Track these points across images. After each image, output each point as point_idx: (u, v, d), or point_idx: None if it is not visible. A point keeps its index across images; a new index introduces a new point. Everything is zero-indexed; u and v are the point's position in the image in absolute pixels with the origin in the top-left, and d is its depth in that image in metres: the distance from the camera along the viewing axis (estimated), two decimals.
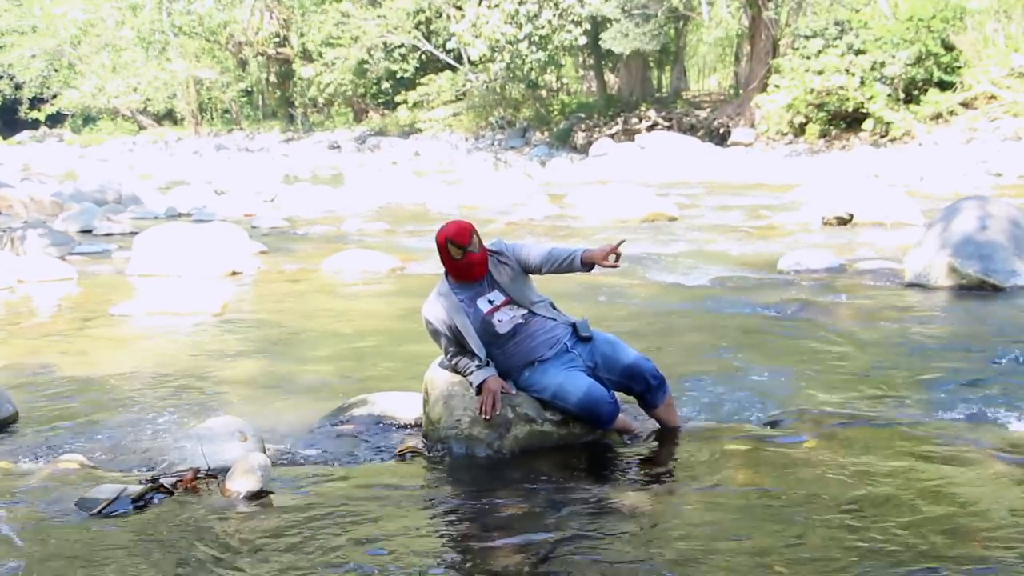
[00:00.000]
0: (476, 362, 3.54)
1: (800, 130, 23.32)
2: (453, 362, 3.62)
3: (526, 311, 3.58)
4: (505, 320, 3.53)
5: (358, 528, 2.79)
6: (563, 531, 2.73)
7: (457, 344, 3.58)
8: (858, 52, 21.97)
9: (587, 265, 3.45)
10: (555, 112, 31.51)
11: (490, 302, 3.55)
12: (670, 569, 2.46)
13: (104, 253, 10.01)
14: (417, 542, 2.70)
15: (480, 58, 28.27)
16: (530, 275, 3.66)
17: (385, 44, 32.65)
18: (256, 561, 2.55)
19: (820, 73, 21.88)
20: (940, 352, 5.07)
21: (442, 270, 3.67)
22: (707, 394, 4.31)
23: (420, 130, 33.31)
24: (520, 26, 26.66)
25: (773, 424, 3.80)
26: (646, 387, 3.57)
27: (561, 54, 29.53)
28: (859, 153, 21.14)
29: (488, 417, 3.45)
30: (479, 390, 3.51)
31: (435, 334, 3.63)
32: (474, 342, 3.51)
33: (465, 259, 3.49)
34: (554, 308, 3.70)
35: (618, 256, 3.41)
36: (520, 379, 3.59)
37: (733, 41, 31.07)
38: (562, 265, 3.51)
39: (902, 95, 21.84)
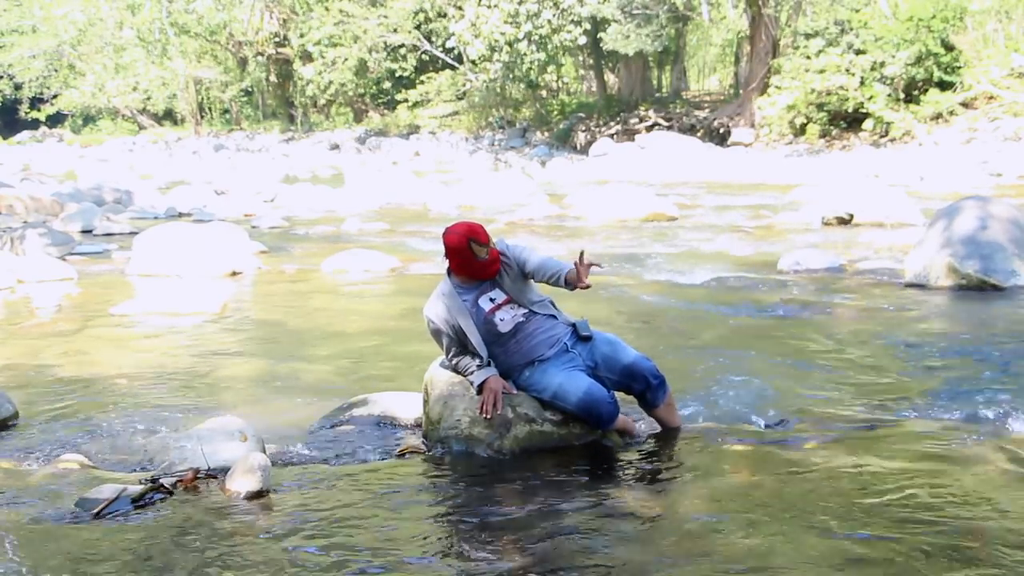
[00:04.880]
0: (477, 362, 3.54)
1: (800, 130, 23.33)
2: (454, 362, 3.62)
3: (526, 310, 3.58)
4: (507, 319, 3.54)
5: (358, 528, 2.79)
6: (563, 531, 2.73)
7: (459, 344, 3.57)
8: (858, 52, 21.98)
9: (569, 285, 3.46)
10: (555, 112, 31.52)
11: (491, 300, 3.55)
12: (670, 569, 2.46)
13: (104, 253, 10.01)
14: (417, 542, 2.70)
15: (479, 57, 28.27)
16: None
17: (385, 44, 32.66)
18: (256, 561, 2.55)
19: (821, 73, 21.89)
20: (940, 352, 5.07)
21: (443, 271, 3.65)
22: (707, 394, 4.31)
23: (419, 127, 33.33)
24: (519, 26, 26.66)
25: (773, 424, 3.80)
26: (646, 386, 3.57)
27: (561, 54, 29.52)
28: (859, 153, 21.15)
29: (489, 416, 3.45)
30: (480, 389, 3.51)
31: (437, 334, 3.61)
32: (477, 342, 3.51)
33: (490, 256, 3.48)
34: (554, 307, 3.71)
35: (593, 266, 3.44)
36: (520, 379, 3.59)
37: (733, 41, 31.09)
38: (549, 279, 3.53)
39: (902, 95, 21.85)
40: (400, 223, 12.71)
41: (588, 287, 3.44)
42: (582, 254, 3.44)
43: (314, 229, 12.23)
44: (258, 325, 6.41)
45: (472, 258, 3.48)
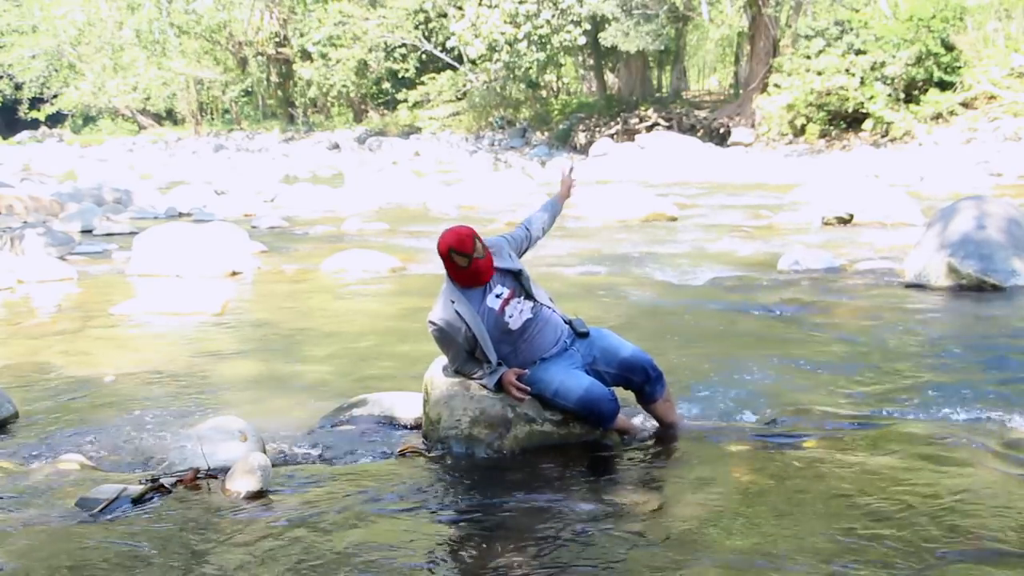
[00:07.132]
0: (487, 368, 3.53)
1: (800, 130, 23.33)
2: (458, 368, 3.61)
3: (533, 303, 3.58)
4: (516, 315, 3.52)
5: (358, 528, 2.79)
6: (563, 531, 2.73)
7: (467, 352, 3.54)
8: (858, 52, 21.98)
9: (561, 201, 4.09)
10: (555, 112, 31.53)
11: (498, 297, 3.52)
12: (670, 569, 2.46)
13: (104, 253, 10.01)
14: (417, 542, 2.70)
15: (479, 57, 28.28)
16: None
17: (385, 44, 32.67)
18: (256, 561, 2.55)
19: (821, 73, 21.89)
20: (939, 352, 5.07)
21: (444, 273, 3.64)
22: (707, 394, 4.31)
23: (420, 129, 33.34)
24: (519, 26, 26.66)
25: (773, 424, 3.80)
26: (645, 378, 3.58)
27: (561, 54, 29.53)
28: (859, 153, 21.14)
29: (524, 398, 3.48)
30: (498, 387, 3.51)
31: (444, 341, 3.53)
32: (488, 347, 3.48)
33: (471, 267, 3.42)
34: (551, 301, 3.71)
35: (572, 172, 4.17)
36: (523, 378, 3.58)
37: (733, 41, 31.12)
38: (550, 222, 3.97)
39: (902, 95, 21.85)
40: (400, 223, 12.70)
41: (572, 183, 4.15)
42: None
43: (314, 229, 12.22)
44: (258, 325, 6.41)
45: (453, 267, 3.45)
